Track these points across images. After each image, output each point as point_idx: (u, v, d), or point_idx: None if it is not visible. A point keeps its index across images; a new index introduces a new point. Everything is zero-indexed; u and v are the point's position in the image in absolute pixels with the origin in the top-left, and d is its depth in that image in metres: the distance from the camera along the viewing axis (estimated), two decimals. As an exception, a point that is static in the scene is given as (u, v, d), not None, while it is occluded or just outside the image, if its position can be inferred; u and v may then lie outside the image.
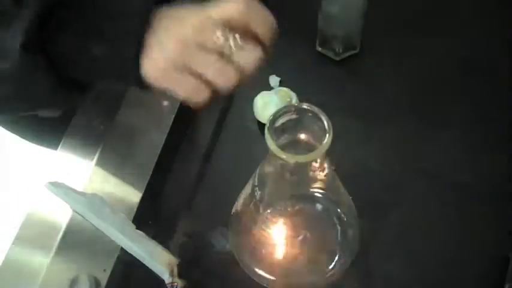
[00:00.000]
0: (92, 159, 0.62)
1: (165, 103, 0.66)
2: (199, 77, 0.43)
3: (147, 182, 0.60)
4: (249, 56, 0.43)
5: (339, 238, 0.54)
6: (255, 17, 0.42)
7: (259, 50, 0.43)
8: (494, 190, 0.60)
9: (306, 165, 0.44)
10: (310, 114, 0.44)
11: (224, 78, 0.42)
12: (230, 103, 0.67)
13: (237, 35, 0.42)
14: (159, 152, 0.62)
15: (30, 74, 0.44)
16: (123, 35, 0.43)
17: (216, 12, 0.42)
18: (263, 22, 0.43)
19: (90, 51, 0.44)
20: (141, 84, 0.45)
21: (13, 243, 0.57)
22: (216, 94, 0.44)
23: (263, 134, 0.43)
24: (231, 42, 0.42)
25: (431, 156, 0.63)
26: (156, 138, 0.63)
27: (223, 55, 0.43)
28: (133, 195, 0.60)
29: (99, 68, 0.45)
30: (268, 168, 0.47)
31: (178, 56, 0.43)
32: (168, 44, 0.43)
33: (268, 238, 0.53)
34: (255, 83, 0.68)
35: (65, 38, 0.44)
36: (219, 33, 0.42)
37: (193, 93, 0.44)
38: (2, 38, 0.42)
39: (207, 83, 0.43)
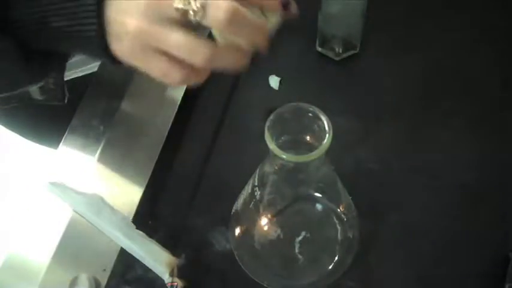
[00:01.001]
0: (92, 159, 0.62)
1: (165, 103, 0.66)
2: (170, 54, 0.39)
3: (147, 182, 0.60)
4: (219, 16, 0.37)
5: (339, 238, 0.54)
6: None
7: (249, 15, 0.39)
8: (494, 190, 0.60)
9: (306, 165, 0.44)
10: (310, 114, 0.44)
11: (198, 56, 0.38)
12: (229, 102, 0.67)
13: None
14: (158, 152, 0.62)
15: None
16: (81, 11, 0.40)
17: None
18: None
19: (49, 24, 0.41)
20: (113, 60, 0.41)
21: (13, 243, 0.58)
22: (199, 73, 0.41)
23: (263, 134, 0.43)
24: (193, 7, 0.37)
25: (432, 156, 0.63)
26: (156, 138, 0.63)
27: (193, 26, 0.38)
28: (133, 195, 0.60)
29: (62, 41, 0.43)
30: (268, 168, 0.47)
31: (138, 33, 0.38)
32: (123, 21, 0.39)
33: (268, 238, 0.53)
34: (255, 83, 0.68)
35: (21, 10, 0.41)
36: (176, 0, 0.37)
37: (165, 74, 0.40)
38: None
39: (181, 61, 0.39)
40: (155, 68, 0.40)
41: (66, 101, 0.58)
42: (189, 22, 0.38)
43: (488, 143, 0.63)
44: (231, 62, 0.41)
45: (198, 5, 0.37)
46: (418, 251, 0.57)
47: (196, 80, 0.41)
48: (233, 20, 0.37)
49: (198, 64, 0.39)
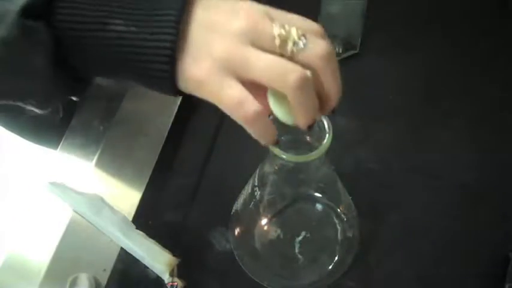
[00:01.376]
0: (92, 159, 0.62)
1: (165, 103, 0.66)
2: (250, 84, 0.34)
3: (147, 182, 0.60)
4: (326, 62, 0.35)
5: (339, 238, 0.54)
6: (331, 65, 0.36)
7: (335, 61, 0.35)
8: (494, 190, 0.60)
9: (306, 165, 0.44)
10: (310, 114, 0.44)
11: (292, 75, 0.33)
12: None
13: (300, 32, 0.33)
14: (158, 152, 0.62)
15: (26, 45, 0.34)
16: (155, 19, 0.33)
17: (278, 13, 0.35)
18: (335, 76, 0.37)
19: (108, 26, 0.33)
20: (175, 89, 0.35)
21: (13, 243, 0.58)
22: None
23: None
24: (295, 37, 0.33)
25: (432, 156, 0.63)
26: (156, 139, 0.63)
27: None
28: (133, 195, 0.60)
29: (113, 53, 0.34)
30: (268, 168, 0.47)
31: (226, 57, 0.33)
32: (210, 40, 0.33)
33: (268, 238, 0.53)
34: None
35: (72, 9, 0.34)
36: (277, 28, 0.33)
37: (239, 102, 0.33)
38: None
39: (260, 93, 0.34)
40: (231, 94, 0.33)
41: (61, 115, 0.57)
42: (281, 55, 0.34)
43: (488, 143, 0.63)
44: (312, 103, 0.36)
45: (299, 36, 0.34)
46: (418, 251, 0.57)
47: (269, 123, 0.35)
48: (330, 59, 0.35)
49: (289, 85, 0.33)
